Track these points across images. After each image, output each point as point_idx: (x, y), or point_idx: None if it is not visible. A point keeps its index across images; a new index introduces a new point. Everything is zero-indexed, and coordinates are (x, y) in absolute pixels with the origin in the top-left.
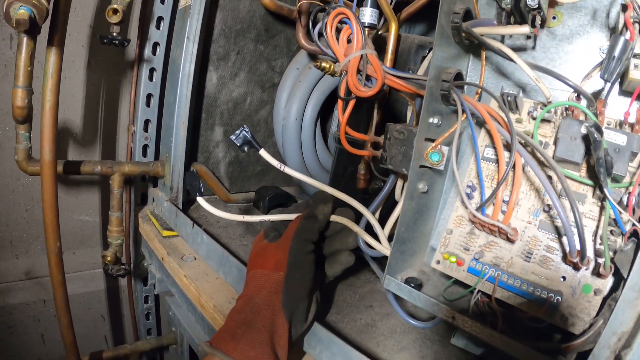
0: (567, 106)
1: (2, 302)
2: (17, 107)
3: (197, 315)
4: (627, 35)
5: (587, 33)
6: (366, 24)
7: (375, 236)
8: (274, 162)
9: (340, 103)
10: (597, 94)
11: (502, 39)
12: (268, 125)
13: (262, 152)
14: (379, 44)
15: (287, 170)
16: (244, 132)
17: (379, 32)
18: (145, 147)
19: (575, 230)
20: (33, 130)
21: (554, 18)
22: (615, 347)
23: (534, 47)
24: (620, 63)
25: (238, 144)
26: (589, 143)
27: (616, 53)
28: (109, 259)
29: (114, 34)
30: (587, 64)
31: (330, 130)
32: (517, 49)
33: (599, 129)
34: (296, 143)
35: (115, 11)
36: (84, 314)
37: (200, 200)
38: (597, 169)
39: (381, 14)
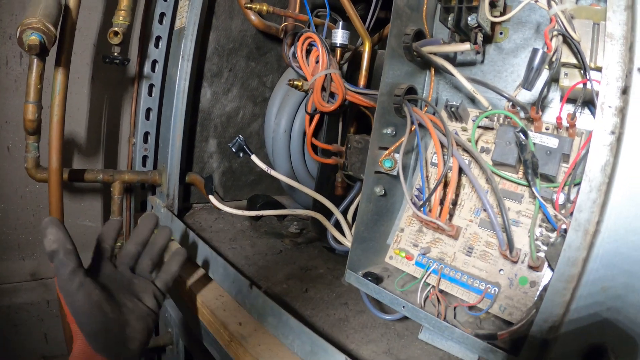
0: (506, 115)
1: (7, 301)
2: (28, 120)
3: (188, 312)
4: (545, 48)
5: (531, 46)
6: (338, 45)
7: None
8: (263, 166)
9: (307, 117)
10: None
11: (454, 56)
12: (260, 137)
13: (254, 158)
14: (357, 61)
15: (273, 173)
16: (239, 140)
17: (359, 49)
18: (144, 157)
19: (501, 225)
20: (41, 140)
21: (500, 33)
22: (546, 333)
23: (482, 62)
24: (539, 73)
25: (234, 150)
26: None
27: (534, 64)
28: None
29: (115, 54)
30: None
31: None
32: (468, 64)
33: (524, 133)
34: (285, 154)
35: (116, 33)
36: None
37: (211, 198)
38: (525, 169)
39: (356, 34)
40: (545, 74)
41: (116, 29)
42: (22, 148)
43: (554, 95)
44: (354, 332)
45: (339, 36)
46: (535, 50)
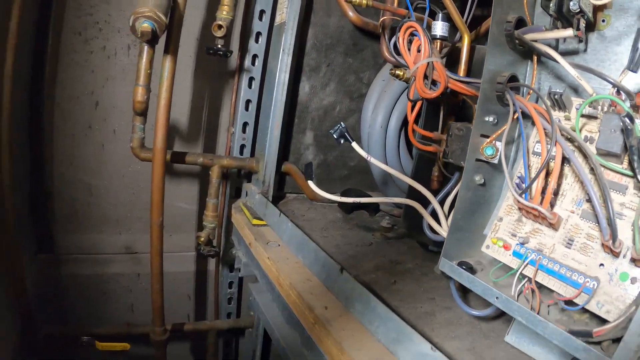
0: (611, 102)
1: (100, 270)
2: (137, 102)
3: (274, 294)
4: None
5: (634, 33)
6: (437, 36)
7: None
8: (363, 153)
9: (409, 104)
10: None
11: (557, 45)
12: (355, 132)
13: (354, 145)
14: (455, 56)
15: (372, 160)
16: (340, 127)
17: (456, 45)
18: (242, 146)
19: (605, 215)
20: (147, 124)
21: (603, 21)
22: None
23: (585, 50)
24: None
25: (335, 137)
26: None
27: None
28: (202, 239)
29: (219, 46)
30: None
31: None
32: (571, 53)
33: (630, 118)
34: (381, 148)
35: (219, 26)
36: (172, 291)
37: (310, 183)
38: (630, 157)
39: (455, 27)
40: None
41: (220, 22)
42: (126, 131)
43: None
44: (440, 327)
45: (439, 28)
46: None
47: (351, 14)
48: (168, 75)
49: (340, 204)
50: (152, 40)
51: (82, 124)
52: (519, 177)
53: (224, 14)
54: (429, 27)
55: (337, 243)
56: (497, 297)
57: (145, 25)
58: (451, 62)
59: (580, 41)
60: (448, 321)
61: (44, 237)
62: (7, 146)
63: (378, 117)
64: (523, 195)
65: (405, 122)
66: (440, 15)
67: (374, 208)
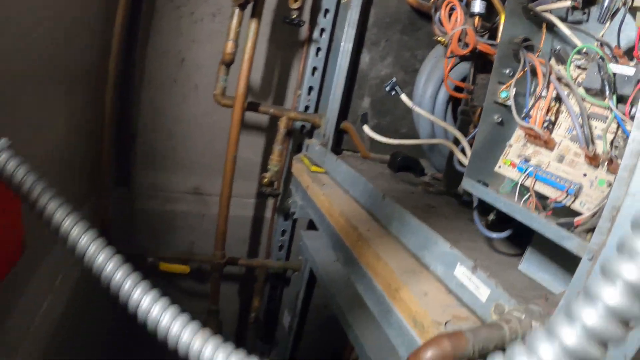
0: (596, 54)
1: (170, 207)
2: (227, 54)
3: (324, 225)
4: None
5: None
6: (476, 13)
7: None
8: (409, 103)
9: (446, 61)
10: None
11: (566, 17)
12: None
13: (403, 96)
14: (495, 34)
15: (417, 109)
16: (392, 82)
17: (496, 24)
18: (306, 107)
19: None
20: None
21: None
22: (612, 216)
23: (587, 20)
24: (608, 10)
25: (387, 89)
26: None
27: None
28: (266, 180)
29: (293, 16)
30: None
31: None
32: (577, 22)
33: (602, 58)
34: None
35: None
36: (230, 233)
37: (365, 127)
38: (602, 86)
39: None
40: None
41: None
42: (207, 87)
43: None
44: (462, 250)
45: (477, 5)
46: None
47: None
48: (253, 34)
49: (390, 164)
50: (243, 4)
51: (168, 78)
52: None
53: None
54: (468, 5)
55: (383, 187)
56: (503, 203)
57: None
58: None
59: (583, 13)
60: (470, 248)
61: (123, 173)
62: (112, 89)
63: (428, 89)
64: (524, 119)
65: (451, 99)
66: None
67: (419, 170)
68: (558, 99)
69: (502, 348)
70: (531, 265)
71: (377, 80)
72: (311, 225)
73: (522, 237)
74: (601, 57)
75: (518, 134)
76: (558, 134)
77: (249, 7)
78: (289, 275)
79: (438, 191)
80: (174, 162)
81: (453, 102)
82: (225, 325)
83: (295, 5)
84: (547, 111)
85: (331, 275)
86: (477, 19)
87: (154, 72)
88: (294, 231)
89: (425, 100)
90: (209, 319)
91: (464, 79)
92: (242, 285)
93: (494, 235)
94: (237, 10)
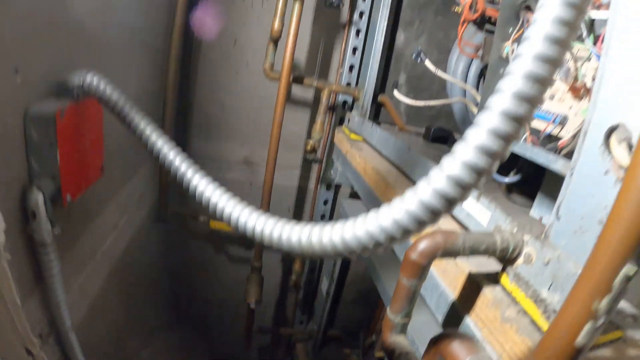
0: None
1: (222, 175)
2: (274, 31)
3: (359, 182)
4: None
5: None
6: None
7: None
8: (432, 67)
9: (460, 23)
10: None
11: None
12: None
13: (427, 62)
14: None
15: (439, 73)
16: (418, 49)
17: None
18: (348, 84)
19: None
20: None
21: None
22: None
23: None
24: None
25: (413, 56)
26: None
27: None
28: (309, 146)
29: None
30: None
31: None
32: None
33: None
34: (460, 91)
35: None
36: (276, 202)
37: (395, 92)
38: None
39: None
40: None
41: None
42: (257, 64)
43: None
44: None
45: None
46: None
47: None
48: (297, 14)
49: (424, 135)
50: None
51: (221, 55)
52: None
53: None
54: None
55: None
56: None
57: None
58: None
59: None
60: (489, 198)
61: (180, 142)
62: (174, 63)
63: (460, 66)
64: None
65: (481, 74)
66: None
67: (452, 140)
68: None
69: (494, 254)
70: (541, 211)
71: (412, 57)
72: (353, 197)
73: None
74: None
75: None
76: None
77: None
78: None
79: None
80: (225, 132)
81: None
82: (269, 293)
83: None
84: None
85: None
86: None
87: (210, 51)
88: (335, 201)
89: (457, 76)
90: (252, 275)
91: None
92: (284, 254)
93: (506, 179)
94: None
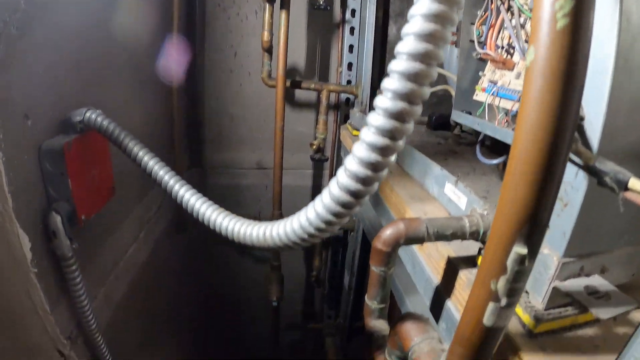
0: None
1: (237, 182)
2: (265, 42)
3: None
4: None
5: None
6: None
7: None
8: None
9: None
10: None
11: None
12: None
13: None
14: None
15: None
16: None
17: None
18: (348, 81)
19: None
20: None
21: None
22: None
23: None
24: None
25: None
26: None
27: None
28: (314, 146)
29: (320, 2)
30: None
31: None
32: None
33: None
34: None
35: None
36: (290, 201)
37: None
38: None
39: None
40: None
41: None
42: (258, 73)
43: None
44: (464, 176)
45: None
46: None
47: None
48: (284, 23)
49: (427, 123)
50: (270, 1)
51: (225, 69)
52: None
53: None
54: None
55: (413, 139)
56: (478, 124)
57: None
58: None
59: None
60: (480, 180)
61: (196, 155)
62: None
63: (454, 51)
64: (482, 47)
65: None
66: None
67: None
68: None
69: (464, 237)
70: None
71: None
72: None
73: None
74: None
75: (489, 66)
76: (515, 58)
77: (278, 1)
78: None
79: (469, 142)
80: (236, 141)
81: None
82: (295, 291)
83: None
84: (497, 36)
85: (375, 227)
86: None
87: (213, 65)
88: None
89: (453, 62)
90: (272, 273)
91: None
92: (305, 250)
93: (488, 161)
94: (267, 5)
